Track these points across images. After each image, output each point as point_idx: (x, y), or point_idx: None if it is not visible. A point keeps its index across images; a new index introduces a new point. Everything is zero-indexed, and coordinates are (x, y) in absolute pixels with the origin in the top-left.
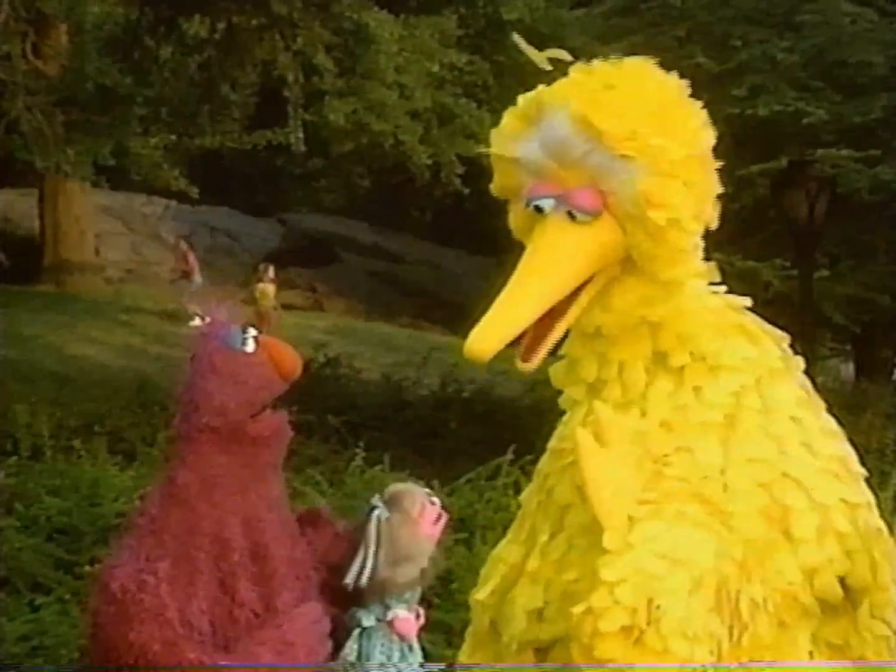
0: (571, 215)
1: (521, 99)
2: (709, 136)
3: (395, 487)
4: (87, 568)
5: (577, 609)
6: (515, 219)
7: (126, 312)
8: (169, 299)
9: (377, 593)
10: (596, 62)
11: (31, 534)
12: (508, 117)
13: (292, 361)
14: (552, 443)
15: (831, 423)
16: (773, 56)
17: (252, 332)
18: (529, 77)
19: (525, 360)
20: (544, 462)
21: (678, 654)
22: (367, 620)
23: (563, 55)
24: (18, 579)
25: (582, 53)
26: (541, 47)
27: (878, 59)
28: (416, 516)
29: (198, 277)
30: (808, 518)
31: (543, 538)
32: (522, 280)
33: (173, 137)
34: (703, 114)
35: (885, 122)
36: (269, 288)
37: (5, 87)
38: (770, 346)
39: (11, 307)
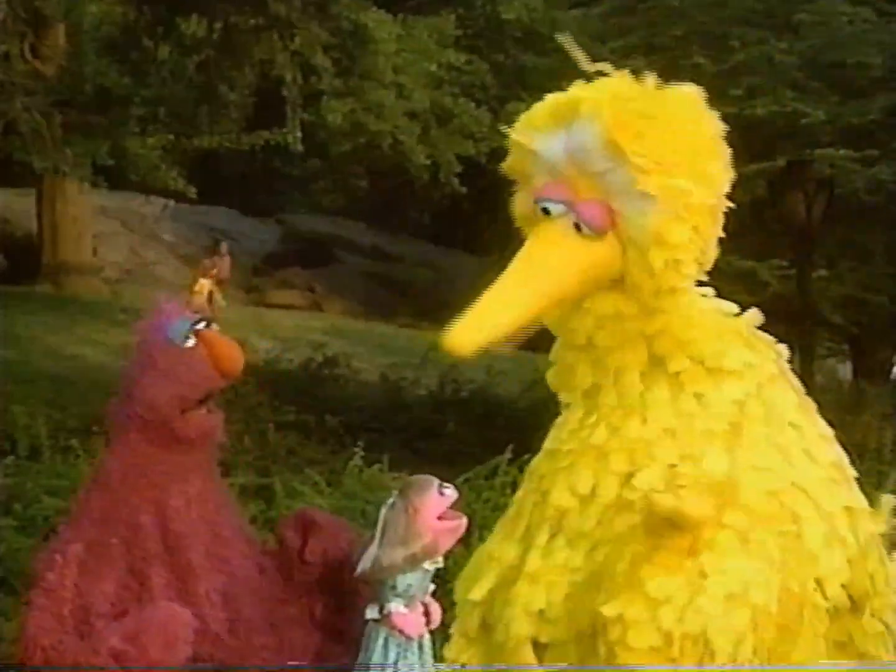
0: (578, 227)
1: (557, 95)
2: (728, 179)
3: (412, 477)
4: None
5: (608, 611)
6: (520, 205)
7: (124, 313)
8: (167, 300)
9: (375, 581)
10: (644, 79)
11: (29, 534)
12: (540, 109)
13: (232, 358)
14: (547, 444)
15: (825, 426)
16: (771, 56)
17: (200, 326)
18: (529, 77)
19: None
20: (538, 463)
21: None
22: (371, 612)
23: (603, 66)
24: (16, 580)
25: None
26: (539, 47)
27: (875, 60)
28: (418, 504)
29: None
30: (816, 527)
31: (542, 539)
32: (516, 279)
33: (171, 138)
34: (728, 154)
35: (882, 122)
36: (205, 284)
37: (3, 88)
38: (767, 350)
39: (9, 308)
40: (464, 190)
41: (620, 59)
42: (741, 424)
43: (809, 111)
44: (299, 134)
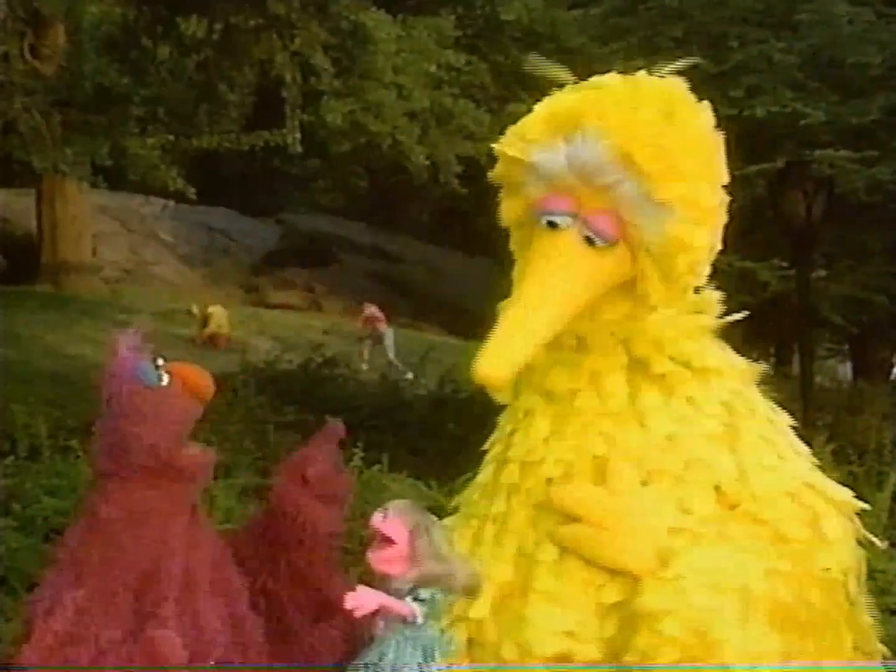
0: (590, 240)
1: (549, 104)
2: (726, 171)
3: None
4: None
5: (631, 657)
6: (513, 211)
7: (124, 312)
8: (166, 299)
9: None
10: (633, 78)
11: (28, 534)
12: (534, 120)
13: (206, 384)
14: (512, 453)
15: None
16: (771, 56)
17: (161, 362)
18: (528, 78)
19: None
20: (510, 475)
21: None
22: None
23: (567, 77)
24: (16, 579)
25: (580, 54)
26: (539, 48)
27: (875, 60)
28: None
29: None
30: (835, 520)
31: (548, 556)
32: (534, 300)
33: (171, 137)
34: (722, 142)
35: (882, 122)
36: (219, 311)
37: (3, 88)
38: (725, 346)
39: (9, 307)
40: (464, 190)
41: (620, 60)
42: (735, 424)
43: (809, 111)
44: (299, 134)
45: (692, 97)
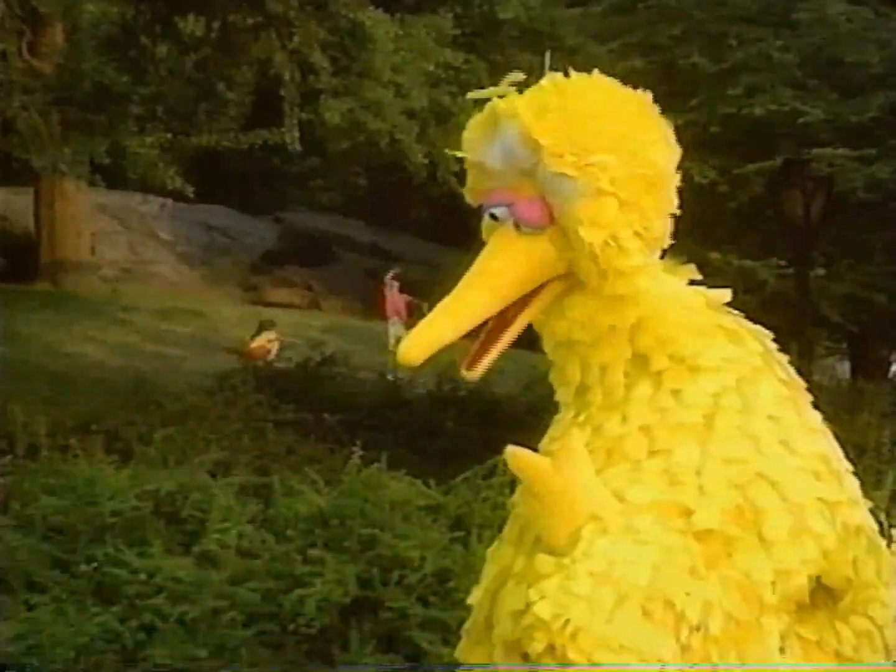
0: (518, 227)
1: (489, 104)
2: (668, 153)
3: None
4: (83, 567)
5: (512, 635)
6: (484, 228)
7: (123, 311)
8: (165, 297)
9: None
10: (560, 75)
11: (27, 533)
12: (473, 122)
13: None
14: (543, 443)
15: (816, 419)
16: (770, 55)
17: None
18: (526, 76)
19: (469, 368)
20: None
21: (606, 665)
22: None
23: (517, 77)
24: (14, 578)
25: (579, 52)
26: (537, 46)
27: (873, 58)
28: None
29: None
30: (781, 519)
31: (531, 539)
32: (463, 288)
33: (169, 136)
34: (667, 131)
35: (881, 120)
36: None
37: (1, 86)
38: (751, 343)
39: (8, 306)
40: (462, 188)
41: (619, 59)
42: (714, 416)
43: (808, 110)
44: (297, 132)
45: (617, 84)
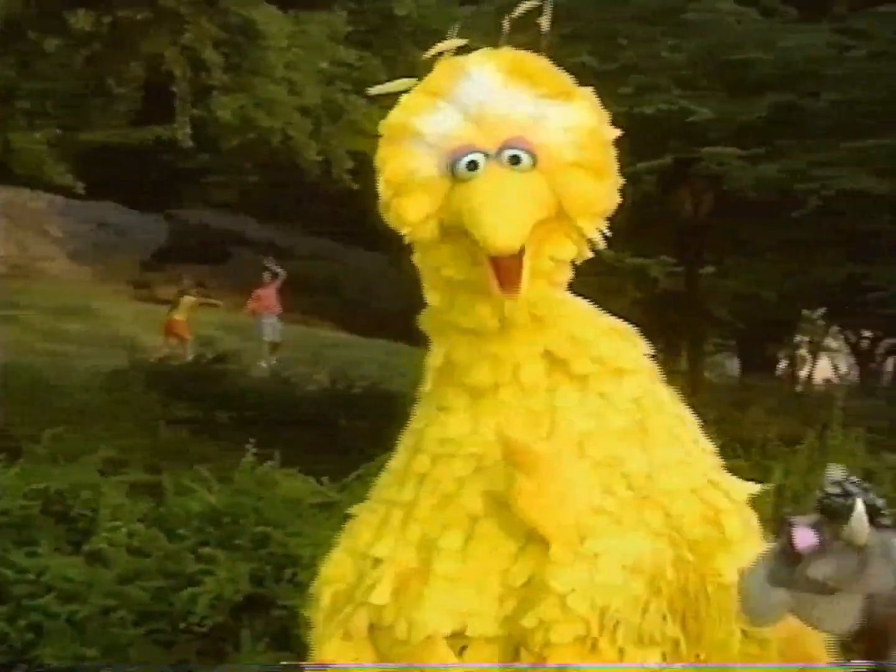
0: (516, 159)
1: (416, 84)
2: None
3: None
4: None
5: (528, 623)
6: (415, 212)
7: (13, 308)
8: (56, 295)
9: None
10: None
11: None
12: (409, 97)
13: None
14: (430, 446)
15: (690, 412)
16: (660, 54)
17: None
18: (421, 73)
19: (509, 292)
20: (421, 465)
21: (632, 660)
22: None
23: (458, 42)
24: None
25: (472, 51)
26: (431, 44)
27: (763, 58)
28: None
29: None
30: (734, 518)
31: (453, 543)
32: (511, 191)
33: (58, 132)
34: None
35: (770, 120)
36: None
37: None
38: (641, 344)
39: None
40: (355, 186)
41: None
42: (644, 421)
43: (697, 109)
44: (189, 129)
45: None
